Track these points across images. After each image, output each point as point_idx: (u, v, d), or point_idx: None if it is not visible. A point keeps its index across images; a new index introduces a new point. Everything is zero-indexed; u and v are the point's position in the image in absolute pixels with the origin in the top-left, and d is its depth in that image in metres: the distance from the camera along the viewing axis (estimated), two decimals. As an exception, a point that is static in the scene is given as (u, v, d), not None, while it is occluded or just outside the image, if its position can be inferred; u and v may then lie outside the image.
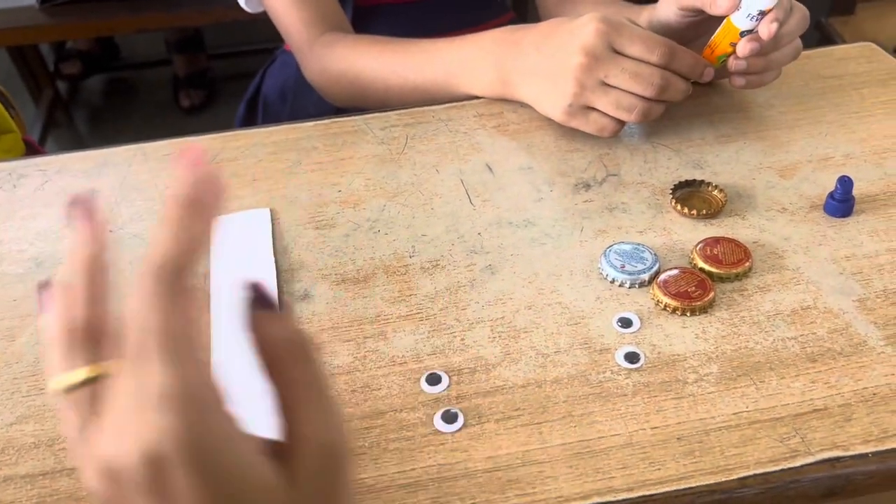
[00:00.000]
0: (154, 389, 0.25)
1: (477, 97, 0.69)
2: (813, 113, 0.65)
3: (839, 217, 0.54)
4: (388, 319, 0.49)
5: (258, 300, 0.29)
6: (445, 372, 0.46)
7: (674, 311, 0.48)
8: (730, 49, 0.58)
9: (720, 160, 0.60)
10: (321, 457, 0.28)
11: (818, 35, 1.48)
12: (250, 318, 0.29)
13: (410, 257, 0.54)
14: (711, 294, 0.48)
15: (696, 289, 0.48)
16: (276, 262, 0.54)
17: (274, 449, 0.28)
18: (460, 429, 0.43)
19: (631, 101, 0.58)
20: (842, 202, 0.54)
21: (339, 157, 0.64)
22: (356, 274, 0.53)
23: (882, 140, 0.61)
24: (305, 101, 0.96)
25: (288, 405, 0.29)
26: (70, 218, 0.29)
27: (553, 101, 0.61)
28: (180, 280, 0.26)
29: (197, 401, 0.25)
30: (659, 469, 0.40)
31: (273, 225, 0.57)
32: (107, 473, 0.25)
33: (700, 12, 0.59)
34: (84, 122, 2.19)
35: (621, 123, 0.60)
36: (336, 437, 0.29)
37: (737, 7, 0.56)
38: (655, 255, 0.51)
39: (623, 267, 0.50)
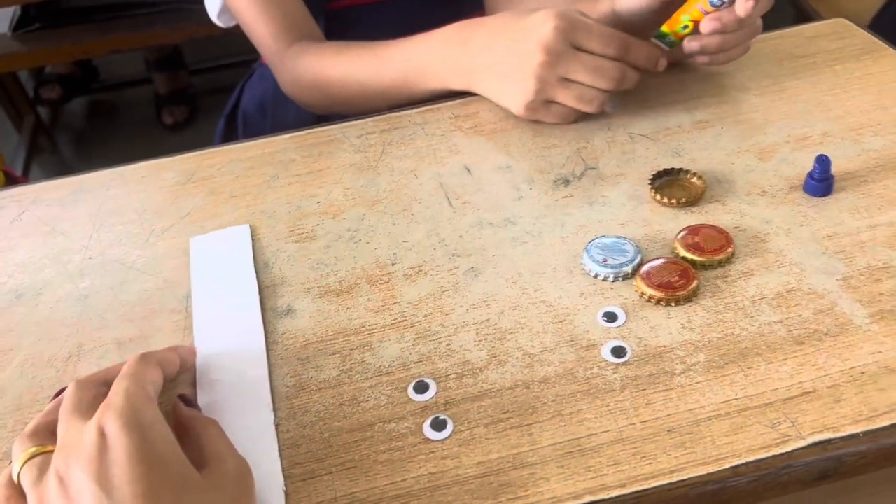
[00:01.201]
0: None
1: (443, 96, 0.69)
2: (788, 93, 0.64)
3: (819, 196, 0.54)
4: (372, 329, 0.49)
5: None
6: (433, 379, 0.46)
7: (658, 302, 0.48)
8: (696, 13, 0.59)
9: (698, 147, 0.60)
10: (235, 469, 0.38)
11: (794, 11, 1.48)
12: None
13: (392, 265, 0.54)
14: (695, 283, 0.48)
15: (679, 278, 0.48)
16: (258, 278, 0.53)
17: (193, 459, 0.37)
18: (450, 435, 0.42)
19: (591, 93, 0.61)
20: (821, 181, 0.53)
21: (317, 168, 0.64)
22: (339, 285, 0.52)
23: (858, 116, 0.61)
24: (285, 113, 0.96)
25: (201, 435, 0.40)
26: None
27: (515, 97, 0.62)
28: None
29: (139, 398, 0.37)
30: (650, 463, 0.40)
31: (253, 241, 0.57)
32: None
33: None
34: (68, 146, 2.18)
35: (579, 115, 0.63)
36: (244, 463, 0.39)
37: None
38: (637, 247, 0.51)
39: (605, 261, 0.50)
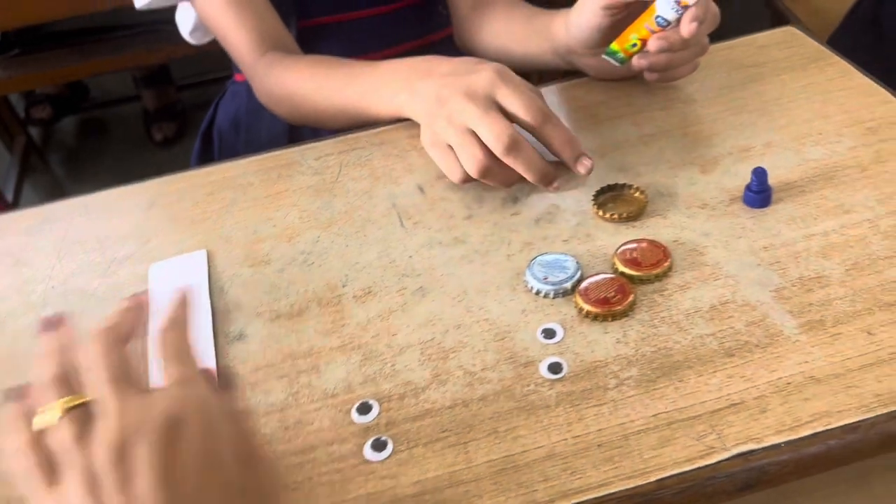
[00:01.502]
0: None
1: (385, 121, 0.69)
2: (735, 104, 0.66)
3: (758, 208, 0.55)
4: (320, 352, 0.50)
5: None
6: (376, 400, 0.47)
7: (595, 318, 0.49)
8: (644, 32, 0.61)
9: (643, 161, 0.61)
10: (269, 471, 0.37)
11: (769, 12, 1.48)
12: None
13: (343, 287, 0.55)
14: (631, 297, 0.49)
15: (616, 293, 0.49)
16: (212, 303, 0.55)
17: None
18: (389, 456, 0.44)
19: (478, 153, 0.56)
20: (758, 193, 0.55)
21: (275, 191, 0.65)
22: (290, 309, 0.54)
23: (801, 125, 0.62)
24: (258, 129, 0.97)
25: None
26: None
27: (425, 125, 0.60)
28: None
29: (199, 391, 0.35)
30: (580, 478, 0.41)
31: (210, 266, 0.58)
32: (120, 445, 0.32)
33: (624, 7, 0.61)
34: (60, 165, 2.20)
35: (467, 176, 0.58)
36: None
37: None
38: (578, 263, 0.52)
39: (546, 278, 0.51)
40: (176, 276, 0.58)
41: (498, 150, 0.55)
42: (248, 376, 0.50)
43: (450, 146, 0.58)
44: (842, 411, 0.42)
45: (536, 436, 0.43)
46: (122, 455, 0.31)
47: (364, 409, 0.46)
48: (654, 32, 0.60)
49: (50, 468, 0.32)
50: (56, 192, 2.07)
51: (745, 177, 0.58)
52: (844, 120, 0.62)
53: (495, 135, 0.55)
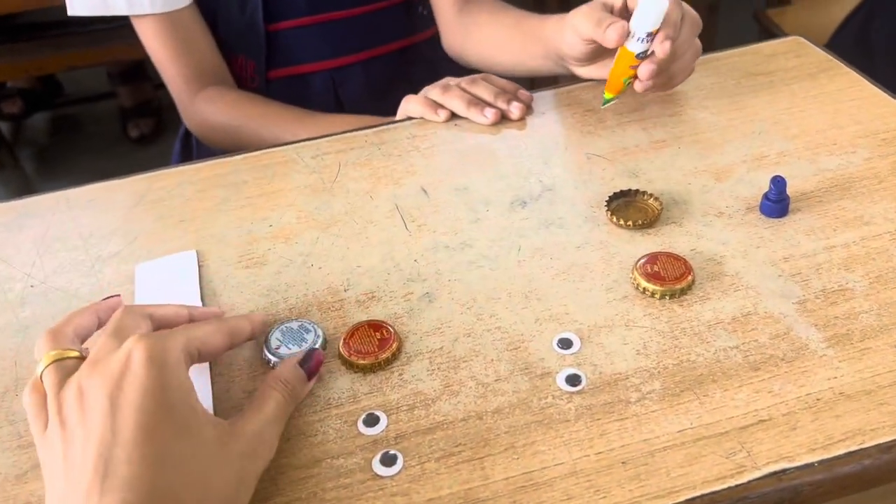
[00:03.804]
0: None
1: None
2: (746, 112, 0.64)
3: (775, 217, 0.54)
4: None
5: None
6: (383, 411, 0.44)
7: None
8: (630, 72, 0.60)
9: (655, 167, 0.59)
10: (250, 433, 0.39)
11: (756, 27, 1.49)
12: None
13: (345, 291, 0.52)
14: (394, 345, 0.47)
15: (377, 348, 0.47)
16: (204, 306, 0.52)
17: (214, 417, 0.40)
18: (400, 471, 0.41)
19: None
20: (777, 202, 0.53)
21: (270, 189, 0.62)
22: (289, 313, 0.51)
23: (814, 135, 0.61)
24: None
25: (248, 403, 0.42)
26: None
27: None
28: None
29: (174, 346, 0.40)
30: (604, 497, 0.39)
31: (201, 268, 0.55)
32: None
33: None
34: (31, 161, 2.13)
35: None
36: (264, 431, 0.40)
37: (626, 37, 0.58)
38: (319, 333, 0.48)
39: (277, 348, 0.48)
40: (164, 277, 0.54)
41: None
42: (245, 385, 0.46)
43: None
44: (875, 429, 0.40)
45: (556, 451, 0.41)
46: (82, 393, 0.37)
47: (371, 420, 0.44)
48: (636, 66, 0.59)
49: (44, 414, 0.39)
50: (26, 189, 2.00)
51: (761, 185, 0.56)
52: (858, 130, 0.61)
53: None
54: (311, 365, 0.45)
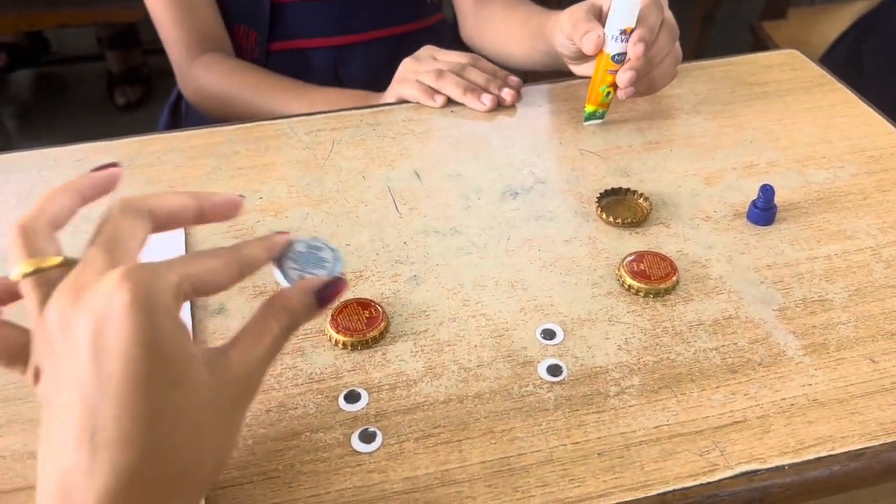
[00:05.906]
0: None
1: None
2: (739, 120, 0.65)
3: (762, 225, 0.54)
4: (307, 334, 0.48)
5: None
6: (365, 389, 0.44)
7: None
8: (609, 78, 0.61)
9: (647, 167, 0.60)
10: (243, 377, 0.34)
11: (751, 39, 1.50)
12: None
13: (333, 268, 0.52)
14: (382, 325, 0.47)
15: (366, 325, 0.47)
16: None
17: (207, 352, 0.34)
18: (378, 448, 0.41)
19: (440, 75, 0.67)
20: (764, 210, 0.54)
21: (262, 162, 0.62)
22: (275, 286, 0.51)
23: (804, 148, 0.62)
24: None
25: (244, 331, 0.36)
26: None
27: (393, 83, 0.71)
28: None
29: (166, 286, 0.32)
30: (579, 486, 0.39)
31: (188, 237, 0.55)
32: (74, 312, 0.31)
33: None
34: (12, 119, 2.10)
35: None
36: (255, 373, 0.35)
37: (602, 45, 0.59)
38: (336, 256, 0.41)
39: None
40: (151, 242, 0.54)
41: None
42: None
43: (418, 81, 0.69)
44: (845, 437, 0.41)
45: (534, 439, 0.42)
46: (67, 327, 0.31)
47: (352, 396, 0.44)
48: (615, 72, 0.60)
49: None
50: (5, 146, 1.97)
51: (749, 193, 0.57)
52: (847, 146, 0.62)
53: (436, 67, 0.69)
54: (327, 294, 0.37)
